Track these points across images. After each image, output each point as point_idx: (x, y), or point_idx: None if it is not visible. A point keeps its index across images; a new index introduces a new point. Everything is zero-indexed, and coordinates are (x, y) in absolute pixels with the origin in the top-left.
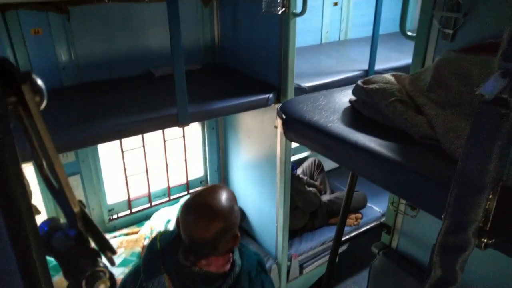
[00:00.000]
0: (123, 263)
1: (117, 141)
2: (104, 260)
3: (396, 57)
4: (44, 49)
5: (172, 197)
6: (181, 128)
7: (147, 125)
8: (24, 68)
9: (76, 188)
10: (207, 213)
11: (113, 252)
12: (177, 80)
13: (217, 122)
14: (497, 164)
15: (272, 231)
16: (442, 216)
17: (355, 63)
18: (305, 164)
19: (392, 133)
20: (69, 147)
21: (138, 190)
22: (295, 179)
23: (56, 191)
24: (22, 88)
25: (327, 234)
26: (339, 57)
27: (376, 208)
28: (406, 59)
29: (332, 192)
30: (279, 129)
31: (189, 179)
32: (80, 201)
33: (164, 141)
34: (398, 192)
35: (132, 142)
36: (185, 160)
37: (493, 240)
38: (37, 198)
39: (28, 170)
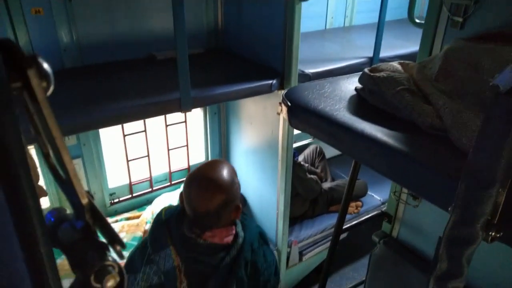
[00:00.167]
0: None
1: (119, 125)
2: (112, 253)
3: (401, 45)
4: (45, 29)
5: (173, 182)
6: (183, 113)
7: (149, 110)
8: (25, 49)
9: (78, 171)
10: (209, 186)
11: (122, 245)
12: (180, 64)
13: (219, 107)
14: (509, 158)
15: (272, 218)
16: (450, 209)
17: (360, 50)
18: (307, 151)
19: (399, 123)
20: (70, 131)
21: (139, 175)
22: (296, 166)
23: (63, 181)
24: (28, 73)
25: (327, 222)
26: (343, 43)
27: (377, 196)
28: (411, 47)
29: (333, 179)
30: (283, 116)
31: (190, 164)
32: (88, 192)
33: (166, 125)
34: (403, 182)
35: (133, 126)
36: (187, 145)
37: (501, 233)
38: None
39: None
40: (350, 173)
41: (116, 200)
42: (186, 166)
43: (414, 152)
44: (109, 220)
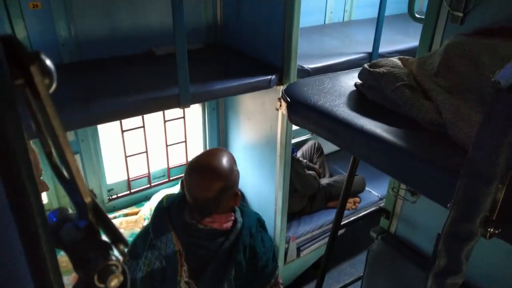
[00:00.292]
0: None
1: (117, 121)
2: (116, 253)
3: (400, 40)
4: (43, 24)
5: (171, 178)
6: (182, 109)
7: (148, 106)
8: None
9: None
10: (209, 173)
11: (126, 244)
12: (179, 60)
13: (217, 103)
14: (509, 154)
15: (270, 213)
16: (449, 205)
17: (359, 45)
18: (305, 147)
19: (398, 119)
20: (68, 127)
21: (137, 171)
22: (294, 162)
23: (66, 180)
24: (31, 70)
25: (325, 217)
26: (342, 38)
27: (375, 192)
28: (411, 42)
29: (331, 175)
30: (281, 112)
31: (189, 160)
32: (91, 191)
33: (164, 121)
34: (402, 178)
35: (132, 122)
36: (185, 141)
37: (499, 230)
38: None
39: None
40: (348, 169)
41: (114, 196)
42: (184, 162)
43: (413, 148)
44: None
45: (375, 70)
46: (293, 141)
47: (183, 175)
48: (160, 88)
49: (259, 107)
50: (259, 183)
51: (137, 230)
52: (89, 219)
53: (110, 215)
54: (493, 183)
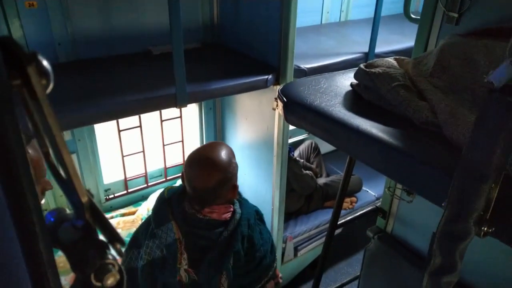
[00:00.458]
0: None
1: (114, 121)
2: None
3: (397, 40)
4: (39, 23)
5: (168, 178)
6: (179, 109)
7: (145, 105)
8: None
9: None
10: (208, 165)
11: (122, 243)
12: (176, 60)
13: (214, 102)
14: (502, 154)
15: (267, 213)
16: (443, 204)
17: (355, 45)
18: (302, 147)
19: (394, 119)
20: (64, 126)
21: (134, 170)
22: (291, 161)
23: (63, 179)
24: (28, 70)
25: (322, 217)
26: (339, 38)
27: (371, 192)
28: (407, 42)
29: (328, 175)
30: (278, 112)
31: (185, 159)
32: (88, 191)
33: (161, 121)
34: (398, 178)
35: (129, 121)
36: (182, 140)
37: (493, 228)
38: None
39: None
40: (345, 168)
41: (111, 196)
42: (181, 161)
43: (408, 148)
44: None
45: (371, 70)
46: (290, 140)
47: (180, 174)
48: (157, 87)
49: (256, 107)
50: (256, 183)
51: (134, 230)
52: (86, 218)
53: (107, 215)
54: (487, 182)
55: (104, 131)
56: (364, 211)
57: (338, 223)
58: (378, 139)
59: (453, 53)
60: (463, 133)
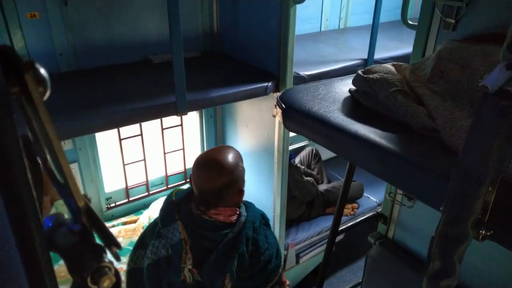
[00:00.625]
0: (121, 253)
1: (115, 129)
2: (109, 255)
3: (395, 46)
4: (41, 34)
5: (169, 186)
6: (179, 117)
7: (145, 113)
8: (21, 53)
9: (74, 176)
10: (214, 167)
11: (119, 246)
12: (175, 68)
13: (215, 110)
14: (498, 157)
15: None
16: (441, 208)
17: (355, 52)
18: (303, 154)
19: (392, 124)
20: (66, 135)
21: (135, 179)
22: (292, 168)
23: (60, 184)
24: (26, 78)
25: (324, 224)
26: (338, 45)
27: (373, 198)
28: (406, 48)
29: (329, 181)
30: (278, 119)
31: (186, 167)
32: (85, 195)
33: (162, 129)
34: (396, 183)
35: (130, 130)
36: (183, 148)
37: (491, 231)
38: None
39: None
40: (345, 174)
41: (112, 205)
42: (182, 169)
43: (406, 153)
44: (106, 225)
45: (369, 76)
46: (291, 147)
47: (181, 182)
48: (157, 96)
49: (256, 114)
50: (257, 190)
51: (136, 238)
52: (83, 222)
53: (109, 224)
54: (483, 186)
55: (105, 140)
56: (365, 217)
57: (339, 229)
58: (376, 144)
59: (450, 58)
60: (460, 137)
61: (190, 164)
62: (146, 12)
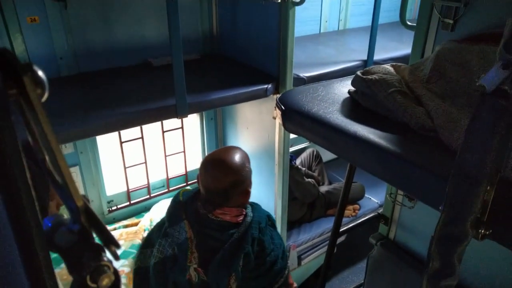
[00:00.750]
0: (122, 256)
1: (116, 132)
2: (108, 254)
3: (395, 47)
4: (41, 38)
5: (171, 188)
6: (180, 119)
7: (146, 116)
8: (21, 57)
9: (75, 179)
10: (221, 167)
11: (117, 246)
12: (175, 71)
13: (215, 112)
14: (496, 156)
15: None
16: (440, 208)
17: (354, 53)
18: (303, 155)
19: (391, 124)
20: (67, 139)
21: (137, 182)
22: (293, 170)
23: (59, 185)
24: (24, 80)
25: (325, 225)
26: (338, 47)
27: (374, 199)
28: (405, 49)
29: (330, 183)
30: (278, 120)
31: (188, 170)
32: (84, 196)
33: (163, 132)
34: (396, 183)
35: (130, 133)
36: (184, 151)
37: (490, 231)
38: None
39: None
40: (345, 175)
41: (114, 208)
42: (183, 172)
43: (406, 153)
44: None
45: (368, 77)
46: (292, 149)
47: (182, 185)
48: (158, 98)
49: (257, 116)
50: (258, 192)
51: (137, 241)
52: (82, 222)
53: (110, 227)
54: (482, 185)
55: (106, 143)
56: (366, 218)
57: (340, 230)
58: (375, 145)
59: (449, 58)
60: (459, 137)
61: (191, 167)
62: (146, 15)
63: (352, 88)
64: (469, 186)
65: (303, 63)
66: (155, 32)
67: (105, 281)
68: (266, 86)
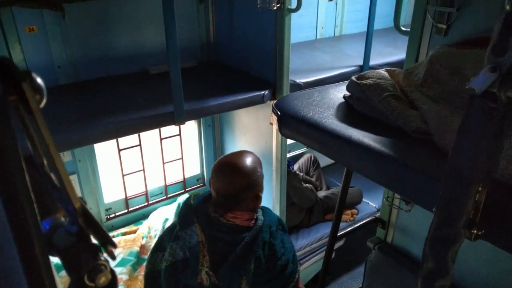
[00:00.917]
0: (121, 263)
1: (114, 140)
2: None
3: (390, 52)
4: (39, 47)
5: (169, 195)
6: (177, 126)
7: (144, 123)
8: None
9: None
10: (232, 171)
11: (114, 246)
12: (172, 78)
13: (213, 119)
14: (486, 157)
15: None
16: (434, 209)
17: (350, 59)
18: (301, 161)
19: (386, 128)
20: (65, 147)
21: (135, 189)
22: (291, 175)
23: (57, 188)
24: (23, 86)
25: (324, 230)
26: (334, 52)
27: (372, 203)
28: (400, 54)
29: (328, 188)
30: (275, 126)
31: (186, 177)
32: (81, 198)
33: (161, 139)
34: (392, 187)
35: (128, 140)
36: (182, 158)
37: (483, 231)
38: None
39: None
40: (342, 180)
41: (112, 215)
42: (181, 179)
43: (400, 156)
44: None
45: (362, 82)
46: (289, 155)
47: (180, 192)
48: (155, 106)
49: (254, 122)
50: None
51: (136, 248)
52: (79, 223)
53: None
54: (473, 186)
55: (104, 150)
56: (363, 222)
57: (338, 235)
58: (370, 148)
59: (442, 63)
60: (452, 140)
61: (189, 174)
62: (143, 24)
63: (347, 93)
64: (461, 187)
65: (299, 69)
66: (152, 40)
67: (102, 280)
68: (263, 92)
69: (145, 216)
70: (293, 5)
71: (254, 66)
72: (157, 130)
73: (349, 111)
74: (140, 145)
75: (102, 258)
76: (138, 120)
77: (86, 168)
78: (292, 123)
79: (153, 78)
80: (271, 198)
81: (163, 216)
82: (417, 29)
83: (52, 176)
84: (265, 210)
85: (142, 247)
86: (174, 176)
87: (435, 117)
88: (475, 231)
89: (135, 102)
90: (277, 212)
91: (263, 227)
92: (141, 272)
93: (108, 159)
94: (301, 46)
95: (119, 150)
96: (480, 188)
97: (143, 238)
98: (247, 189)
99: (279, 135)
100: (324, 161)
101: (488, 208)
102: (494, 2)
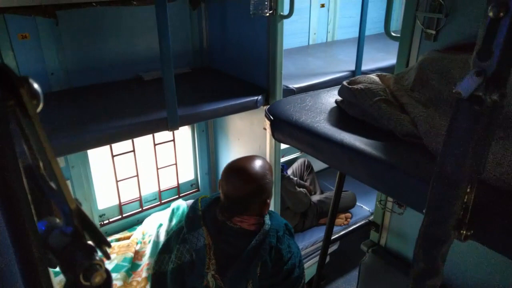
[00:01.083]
0: (115, 269)
1: (107, 146)
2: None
3: (382, 58)
4: (32, 54)
5: (163, 201)
6: (171, 132)
7: (137, 129)
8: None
9: None
10: (241, 175)
11: (108, 245)
12: (166, 84)
13: (207, 124)
14: (474, 159)
15: None
16: (424, 211)
17: (342, 64)
18: (295, 165)
19: (377, 132)
20: (58, 153)
21: (129, 195)
22: (285, 180)
23: (53, 190)
24: (20, 92)
25: (318, 234)
26: (326, 58)
27: (366, 207)
28: (392, 59)
29: (322, 192)
30: (269, 131)
31: (180, 182)
32: (76, 199)
33: (154, 145)
34: (383, 190)
35: (122, 146)
36: (176, 163)
37: (472, 231)
38: None
39: None
40: (335, 184)
41: (106, 222)
42: (175, 184)
43: (391, 159)
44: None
45: (353, 86)
46: (283, 159)
47: (175, 197)
48: (149, 112)
49: (248, 127)
50: None
51: (130, 254)
52: (75, 224)
53: None
54: (461, 187)
55: (97, 156)
56: (357, 225)
57: (332, 238)
58: (362, 152)
59: (432, 68)
60: (441, 143)
61: (183, 179)
62: (136, 30)
63: (339, 98)
64: (450, 189)
65: (292, 75)
66: (145, 46)
67: (98, 279)
68: (256, 97)
69: (139, 222)
70: (286, 11)
71: (247, 71)
72: (150, 135)
73: (341, 116)
74: (133, 151)
75: (97, 258)
76: (132, 126)
77: (80, 174)
78: (285, 128)
79: (147, 84)
80: None
81: (157, 222)
82: (407, 35)
83: (48, 178)
84: (272, 214)
85: (136, 253)
86: (168, 181)
87: (425, 120)
88: (464, 232)
89: (128, 108)
90: None
91: (270, 232)
92: (135, 278)
93: (101, 165)
94: (293, 52)
95: (113, 156)
96: (468, 190)
97: (137, 244)
98: (256, 195)
99: (273, 140)
100: (318, 165)
101: (477, 209)
102: (481, 9)
